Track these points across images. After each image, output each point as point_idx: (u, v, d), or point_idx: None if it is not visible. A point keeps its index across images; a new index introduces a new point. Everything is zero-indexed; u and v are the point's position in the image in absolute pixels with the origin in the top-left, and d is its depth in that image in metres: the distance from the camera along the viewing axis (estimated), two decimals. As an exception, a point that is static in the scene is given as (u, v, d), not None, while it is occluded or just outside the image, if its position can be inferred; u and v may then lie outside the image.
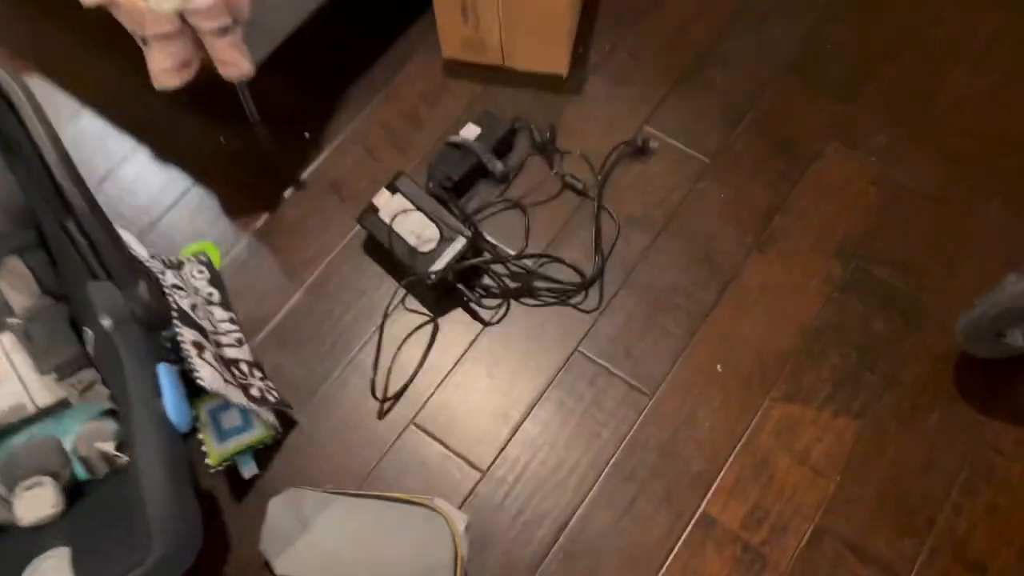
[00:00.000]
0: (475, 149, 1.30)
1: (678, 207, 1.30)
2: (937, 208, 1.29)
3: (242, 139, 1.37)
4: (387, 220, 1.22)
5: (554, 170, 1.33)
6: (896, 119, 1.36)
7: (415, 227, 1.21)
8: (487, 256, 1.24)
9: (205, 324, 1.09)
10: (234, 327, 1.20)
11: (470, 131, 1.33)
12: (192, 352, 1.01)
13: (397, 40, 1.45)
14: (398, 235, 1.21)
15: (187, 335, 1.03)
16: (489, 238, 1.27)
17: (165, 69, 1.10)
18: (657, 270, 1.26)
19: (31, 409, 1.06)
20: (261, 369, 1.18)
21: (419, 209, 1.23)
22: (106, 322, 0.97)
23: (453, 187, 1.30)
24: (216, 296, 1.21)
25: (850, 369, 1.17)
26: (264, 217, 1.31)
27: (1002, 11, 1.45)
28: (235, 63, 1.12)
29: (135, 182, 1.35)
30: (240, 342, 1.18)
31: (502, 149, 1.34)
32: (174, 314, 1.03)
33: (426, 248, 1.20)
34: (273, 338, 1.22)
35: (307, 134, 1.38)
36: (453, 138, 1.31)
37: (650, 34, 1.46)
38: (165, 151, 1.37)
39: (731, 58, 1.42)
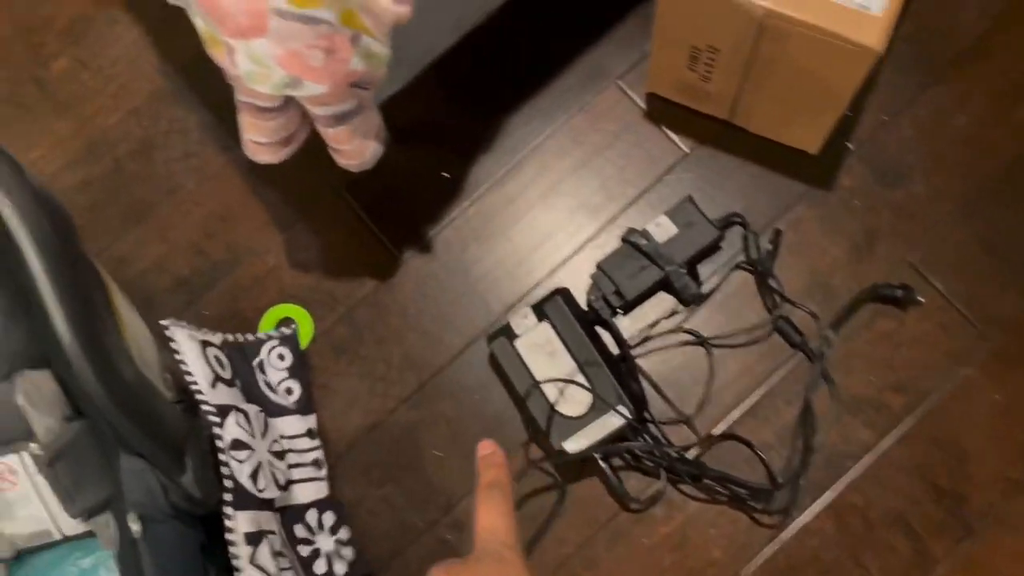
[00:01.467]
0: (663, 261, 0.94)
1: (927, 399, 0.93)
2: None
3: (359, 173, 1.04)
4: (525, 357, 0.91)
5: (766, 304, 0.96)
6: None
7: (557, 374, 0.90)
8: (646, 441, 0.91)
9: (270, 491, 0.84)
10: (312, 444, 0.94)
11: (662, 229, 0.96)
12: (243, 554, 0.77)
13: (580, 56, 1.05)
14: (534, 380, 0.90)
15: (241, 525, 0.79)
16: (651, 380, 0.94)
17: (258, 143, 0.77)
18: (876, 488, 0.91)
19: (57, 536, 0.87)
20: (337, 511, 0.93)
21: (569, 353, 0.90)
22: (135, 526, 0.73)
23: (622, 306, 0.95)
24: (295, 395, 0.94)
25: None
26: (371, 285, 1.01)
27: None
28: (355, 152, 0.78)
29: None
30: (318, 465, 0.93)
31: (700, 258, 0.97)
32: (227, 497, 0.78)
33: (568, 410, 0.89)
34: (358, 458, 0.97)
35: (446, 175, 1.03)
36: (636, 238, 0.95)
37: (953, 106, 1.00)
38: (260, 181, 1.06)
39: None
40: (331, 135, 0.75)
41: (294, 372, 0.96)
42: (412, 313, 1.00)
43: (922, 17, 1.02)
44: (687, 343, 0.96)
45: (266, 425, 0.91)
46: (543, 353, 0.90)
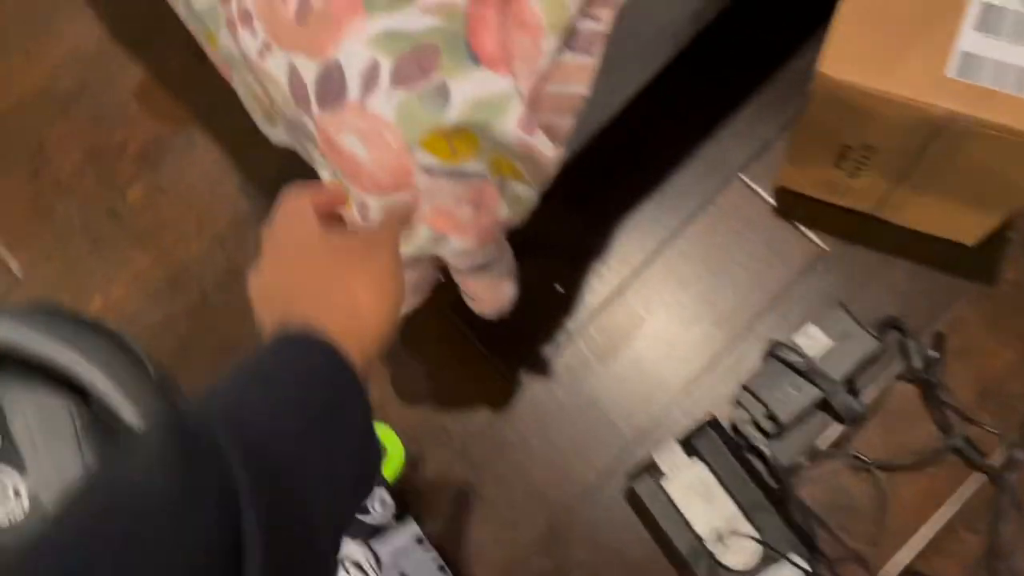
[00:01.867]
0: (820, 378, 0.84)
1: None
2: None
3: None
4: (676, 499, 0.81)
5: (935, 419, 0.86)
6: None
7: (718, 520, 0.80)
8: (827, 590, 0.81)
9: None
10: (428, 552, 0.84)
11: (814, 341, 0.86)
12: None
13: (696, 150, 0.96)
14: (691, 529, 0.80)
15: None
16: (815, 514, 0.84)
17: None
18: (1086, 629, 0.80)
19: None
20: None
21: (730, 495, 0.80)
22: None
23: (775, 431, 0.85)
24: (389, 505, 0.85)
25: None
26: (485, 415, 0.92)
27: None
28: (493, 299, 0.69)
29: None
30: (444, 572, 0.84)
31: (858, 371, 0.87)
32: None
33: (734, 562, 0.78)
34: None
35: (559, 288, 0.95)
36: (785, 354, 0.85)
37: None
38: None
39: None
40: (470, 285, 0.66)
41: (382, 484, 0.86)
42: (535, 445, 0.91)
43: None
44: (849, 467, 0.86)
45: (377, 560, 0.82)
46: (697, 495, 0.81)
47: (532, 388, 0.92)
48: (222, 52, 0.61)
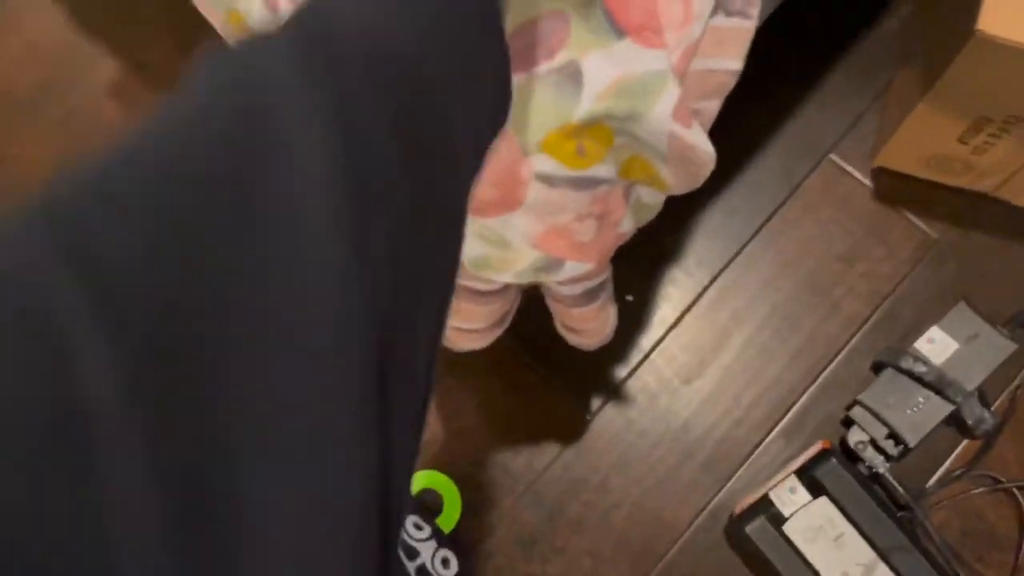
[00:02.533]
0: (950, 390, 0.72)
1: None
2: None
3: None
4: (800, 545, 0.68)
5: (1081, 428, 0.75)
6: None
7: (851, 566, 0.67)
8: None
9: None
10: None
11: (938, 346, 0.74)
12: None
13: (779, 130, 0.83)
14: (816, 574, 0.68)
15: None
16: (949, 546, 0.72)
17: (467, 330, 0.54)
18: None
19: None
20: None
21: (863, 537, 0.68)
22: None
23: (901, 453, 0.73)
24: (452, 567, 0.72)
25: None
26: (553, 451, 0.79)
27: None
28: (598, 329, 0.56)
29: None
30: None
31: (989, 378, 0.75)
32: None
33: (873, 615, 0.67)
34: None
35: (630, 297, 0.81)
36: (908, 363, 0.73)
37: None
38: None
39: None
40: (573, 315, 0.53)
41: (441, 541, 0.74)
42: (615, 483, 0.78)
43: None
44: (983, 489, 0.75)
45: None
46: (824, 538, 0.68)
47: (605, 416, 0.79)
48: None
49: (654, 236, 0.82)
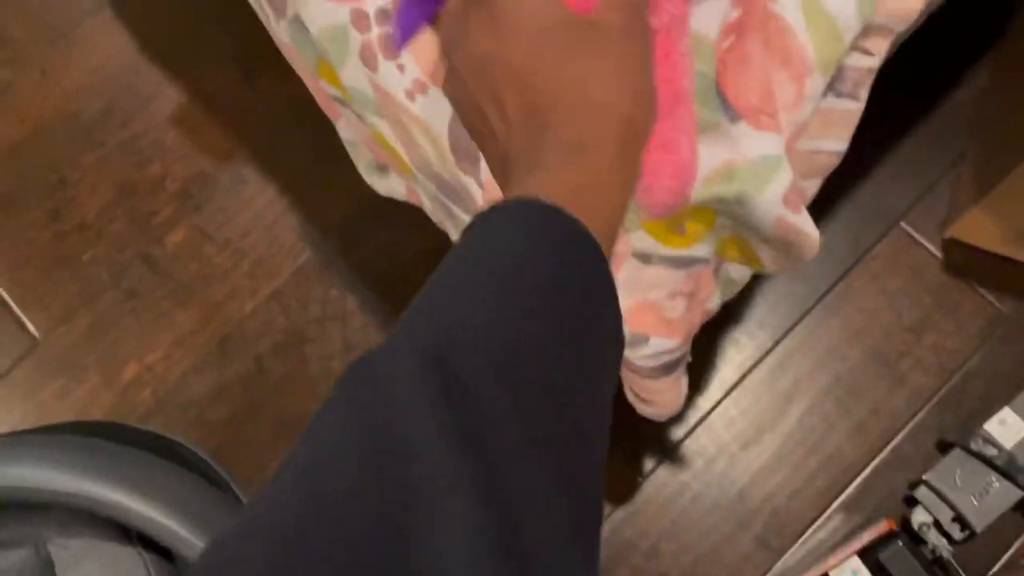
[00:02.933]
0: (1022, 476, 0.70)
1: None
2: None
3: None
4: (862, 630, 0.66)
5: None
6: None
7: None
8: None
9: None
10: None
11: (1010, 428, 0.71)
12: None
13: (851, 193, 0.81)
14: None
15: None
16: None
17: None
18: None
19: None
20: None
21: (931, 626, 0.66)
22: None
23: (966, 538, 0.71)
24: None
25: None
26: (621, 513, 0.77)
27: None
28: (671, 401, 0.54)
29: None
30: None
31: (1060, 464, 0.73)
32: None
33: None
34: None
35: (689, 357, 0.79)
36: (977, 444, 0.71)
37: None
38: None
39: None
40: (649, 386, 0.51)
41: None
42: (665, 551, 0.76)
43: None
44: (1050, 580, 0.72)
45: None
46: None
47: (658, 479, 0.77)
48: (344, 86, 0.45)
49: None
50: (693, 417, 0.78)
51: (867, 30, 0.41)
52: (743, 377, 0.78)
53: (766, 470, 0.76)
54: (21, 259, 0.87)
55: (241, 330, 0.84)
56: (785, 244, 0.41)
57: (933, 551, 0.71)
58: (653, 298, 0.42)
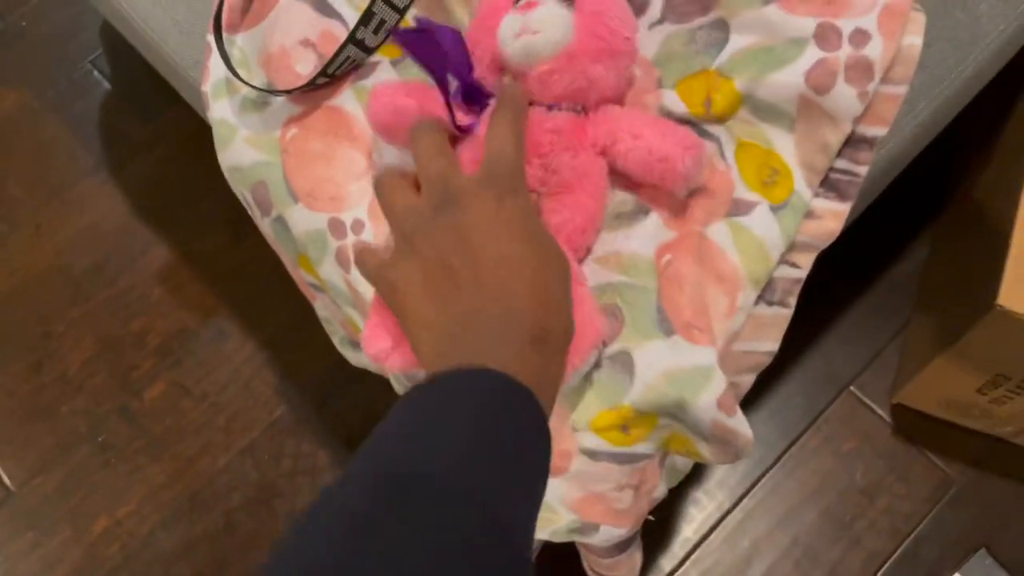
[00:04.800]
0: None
1: None
2: None
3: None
4: None
5: None
6: None
7: None
8: None
9: None
10: None
11: (961, 595, 0.74)
12: None
13: (802, 358, 0.86)
14: None
15: None
16: None
17: None
18: None
19: None
20: None
21: None
22: None
23: None
24: None
25: None
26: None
27: None
28: (626, 574, 0.57)
29: None
30: None
31: (1012, 631, 0.75)
32: None
33: None
34: None
35: (651, 517, 0.82)
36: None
37: None
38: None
39: None
40: (604, 563, 0.54)
41: None
42: None
43: None
44: None
45: None
46: None
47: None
48: (321, 278, 0.50)
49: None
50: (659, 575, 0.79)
51: (793, 247, 0.46)
52: (704, 538, 0.80)
53: (728, 634, 0.77)
54: (1, 410, 0.89)
55: (212, 485, 0.85)
56: (722, 442, 0.44)
57: None
58: (601, 491, 0.45)
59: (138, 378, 0.90)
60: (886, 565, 0.78)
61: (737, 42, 0.45)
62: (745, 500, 0.81)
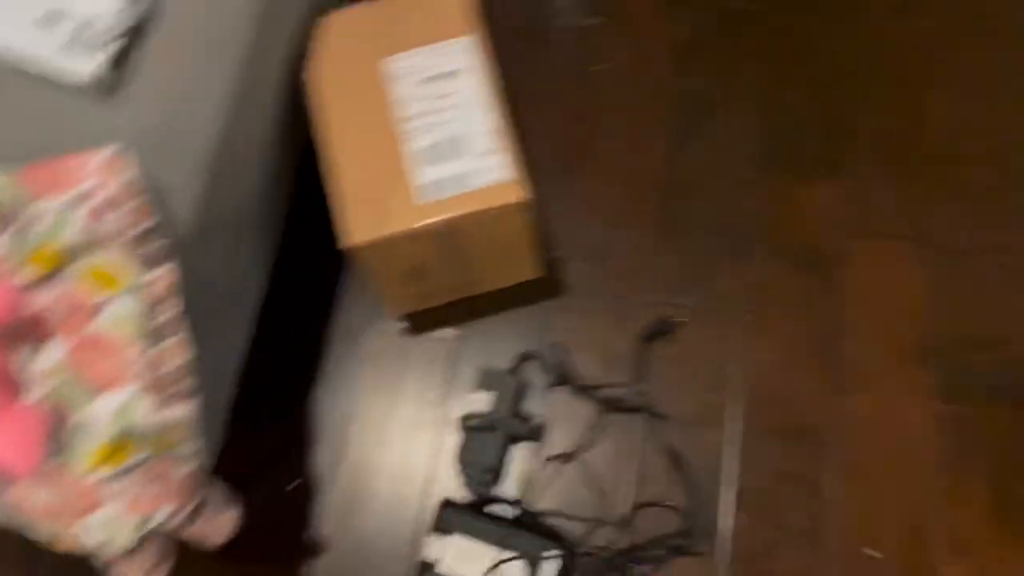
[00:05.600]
0: (498, 422, 1.09)
1: (736, 381, 1.14)
2: (995, 259, 1.17)
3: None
4: (455, 572, 1.01)
5: (592, 399, 1.14)
6: (894, 171, 1.23)
7: (487, 563, 1.01)
8: (590, 556, 1.05)
9: None
10: None
11: (480, 400, 1.11)
12: None
13: (326, 338, 1.21)
14: (473, 584, 1.00)
15: None
16: (559, 512, 1.08)
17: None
18: (754, 463, 1.10)
19: None
20: None
21: (486, 543, 1.02)
22: None
23: (496, 477, 1.09)
24: None
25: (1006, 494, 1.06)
26: None
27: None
28: (220, 531, 0.87)
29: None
30: None
31: (520, 401, 1.13)
32: None
33: (516, 584, 1.00)
34: None
35: (289, 487, 1.13)
36: (469, 421, 1.10)
37: (600, 185, 1.26)
38: None
39: (695, 176, 1.25)
40: (195, 531, 0.82)
41: None
42: None
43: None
44: (554, 468, 1.11)
45: None
46: (466, 560, 1.01)
47: None
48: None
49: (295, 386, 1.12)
50: (314, 514, 1.11)
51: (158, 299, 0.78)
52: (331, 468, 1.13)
53: (372, 527, 1.10)
54: None
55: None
56: (173, 427, 0.76)
57: (484, 497, 1.07)
58: (133, 493, 0.75)
59: None
60: (435, 401, 1.15)
61: None
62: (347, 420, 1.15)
